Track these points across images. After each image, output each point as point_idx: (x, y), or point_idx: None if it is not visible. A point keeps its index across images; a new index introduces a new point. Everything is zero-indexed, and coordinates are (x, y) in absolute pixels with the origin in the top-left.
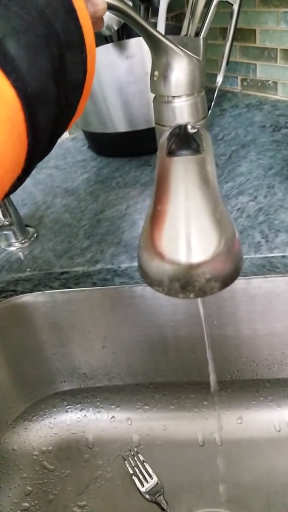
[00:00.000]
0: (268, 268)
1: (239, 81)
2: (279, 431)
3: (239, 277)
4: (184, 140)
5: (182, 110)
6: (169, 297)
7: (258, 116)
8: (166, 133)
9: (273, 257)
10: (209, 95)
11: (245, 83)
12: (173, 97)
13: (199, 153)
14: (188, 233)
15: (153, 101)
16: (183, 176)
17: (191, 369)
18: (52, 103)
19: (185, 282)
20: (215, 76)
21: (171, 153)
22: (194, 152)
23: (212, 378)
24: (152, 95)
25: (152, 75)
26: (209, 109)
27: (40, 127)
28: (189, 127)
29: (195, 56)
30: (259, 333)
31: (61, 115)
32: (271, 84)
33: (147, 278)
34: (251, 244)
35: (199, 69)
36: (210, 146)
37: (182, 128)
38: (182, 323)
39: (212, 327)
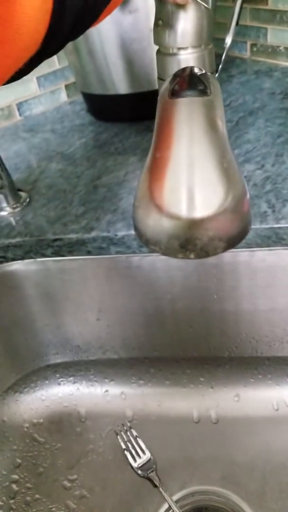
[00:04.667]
0: (274, 239)
1: (248, 47)
2: (277, 410)
3: (242, 249)
4: (190, 81)
5: (187, 63)
6: (167, 257)
7: (268, 83)
8: (169, 77)
9: (279, 228)
10: (216, 60)
11: (254, 49)
12: (179, 48)
13: (206, 95)
14: (191, 184)
15: (156, 54)
16: (187, 119)
17: (188, 344)
18: None
19: (185, 240)
20: (224, 41)
21: (174, 94)
22: (201, 93)
23: None
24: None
25: (155, 24)
26: (216, 72)
27: (65, 12)
28: (195, 69)
29: (203, 3)
30: (260, 308)
31: (85, 13)
32: (282, 50)
33: (142, 236)
34: (257, 214)
35: (207, 18)
36: (219, 91)
37: (187, 69)
38: (180, 296)
39: (212, 301)
